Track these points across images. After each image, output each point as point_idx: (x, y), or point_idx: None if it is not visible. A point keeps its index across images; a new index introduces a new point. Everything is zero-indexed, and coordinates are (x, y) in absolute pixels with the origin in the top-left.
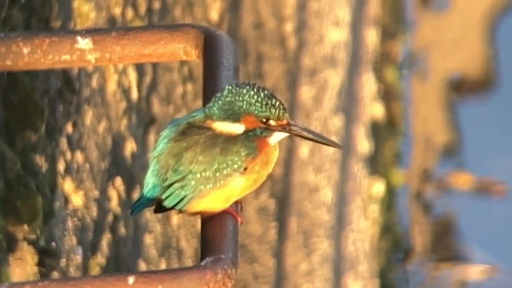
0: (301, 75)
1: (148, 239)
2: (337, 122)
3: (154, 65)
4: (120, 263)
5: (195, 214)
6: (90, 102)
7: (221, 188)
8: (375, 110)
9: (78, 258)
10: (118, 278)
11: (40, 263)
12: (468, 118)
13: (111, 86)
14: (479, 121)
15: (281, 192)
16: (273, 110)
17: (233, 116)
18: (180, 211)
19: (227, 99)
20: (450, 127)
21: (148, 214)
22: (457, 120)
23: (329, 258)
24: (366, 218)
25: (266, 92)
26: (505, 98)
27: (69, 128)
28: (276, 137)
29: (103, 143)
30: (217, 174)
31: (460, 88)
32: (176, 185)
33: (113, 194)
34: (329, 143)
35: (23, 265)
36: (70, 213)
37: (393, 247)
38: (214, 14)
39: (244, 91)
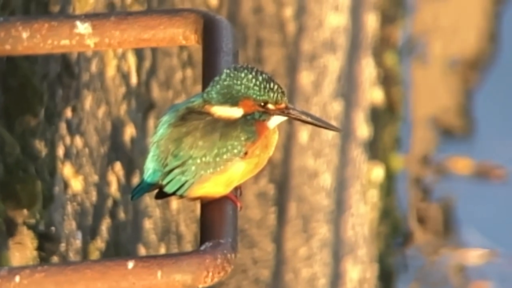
0: (301, 60)
1: (147, 224)
2: (336, 107)
3: (154, 50)
4: (119, 248)
5: (195, 199)
6: (90, 86)
7: (222, 173)
8: (374, 95)
9: (77, 242)
10: (118, 263)
11: (39, 248)
12: (467, 102)
13: (111, 71)
14: (478, 105)
15: (281, 177)
16: (271, 94)
17: (231, 100)
18: (181, 197)
19: (225, 83)
20: (449, 112)
21: (148, 199)
22: (457, 104)
23: (328, 242)
24: (366, 203)
25: (264, 75)
26: (505, 82)
27: (68, 112)
28: (275, 121)
29: (102, 128)
30: (217, 159)
31: (459, 72)
32: (176, 171)
33: (112, 179)
34: (327, 126)
35: (23, 249)
36: (70, 198)
37: (392, 232)
38: None
39: (242, 74)
